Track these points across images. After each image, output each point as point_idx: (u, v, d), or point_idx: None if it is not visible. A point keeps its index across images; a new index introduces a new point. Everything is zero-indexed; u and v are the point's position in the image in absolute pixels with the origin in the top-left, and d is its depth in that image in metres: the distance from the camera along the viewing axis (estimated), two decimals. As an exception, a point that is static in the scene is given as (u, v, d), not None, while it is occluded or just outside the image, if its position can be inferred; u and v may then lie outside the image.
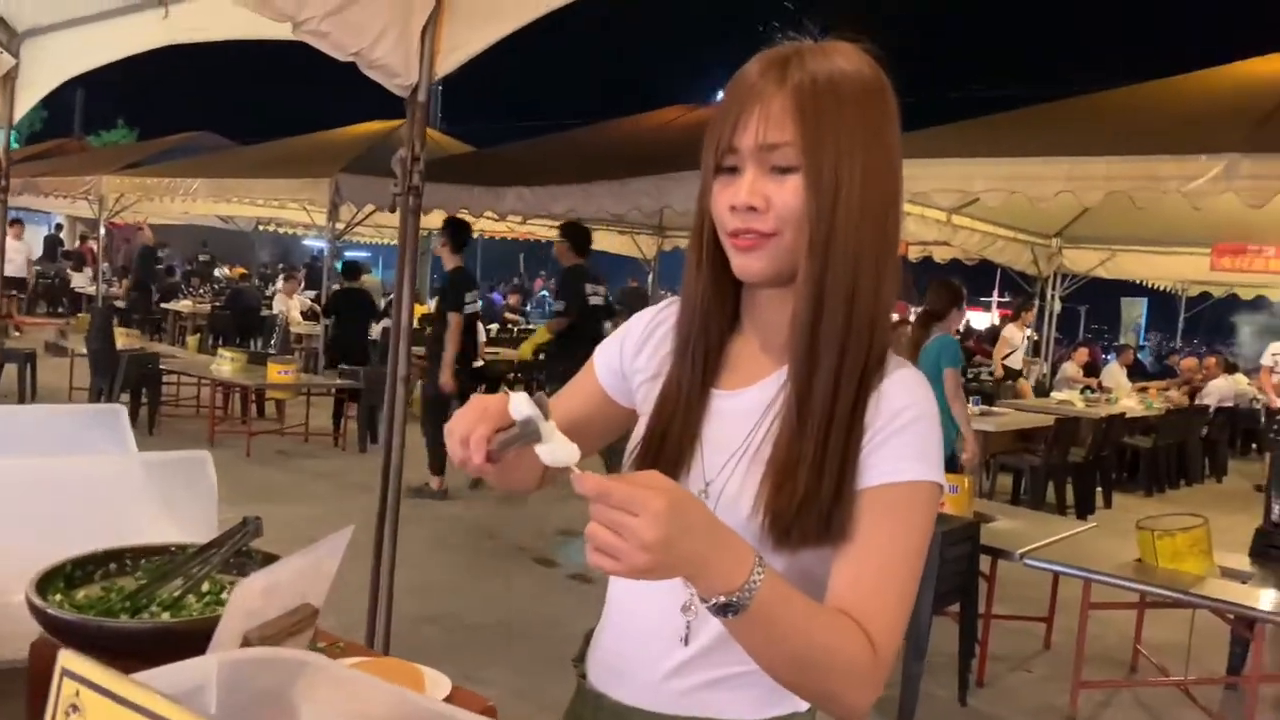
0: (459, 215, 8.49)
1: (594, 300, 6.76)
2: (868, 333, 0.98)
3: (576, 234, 6.96)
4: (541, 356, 10.86)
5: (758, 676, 0.93)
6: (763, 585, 0.84)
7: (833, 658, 0.90)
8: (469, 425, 0.91)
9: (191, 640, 0.95)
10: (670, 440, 1.05)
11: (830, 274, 0.96)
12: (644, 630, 1.07)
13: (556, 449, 0.87)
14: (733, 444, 1.03)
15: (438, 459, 6.40)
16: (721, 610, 0.84)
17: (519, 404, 0.88)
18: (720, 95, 1.04)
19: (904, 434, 0.97)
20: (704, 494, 1.02)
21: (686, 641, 1.03)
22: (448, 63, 2.83)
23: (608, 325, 6.41)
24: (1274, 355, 10.05)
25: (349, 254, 24.29)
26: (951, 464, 5.02)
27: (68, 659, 0.63)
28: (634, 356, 1.15)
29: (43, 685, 0.65)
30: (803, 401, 0.98)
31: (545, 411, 0.88)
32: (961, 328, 5.18)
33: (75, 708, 0.62)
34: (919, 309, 5.42)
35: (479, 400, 0.95)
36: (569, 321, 6.62)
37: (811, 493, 0.95)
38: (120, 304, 14.19)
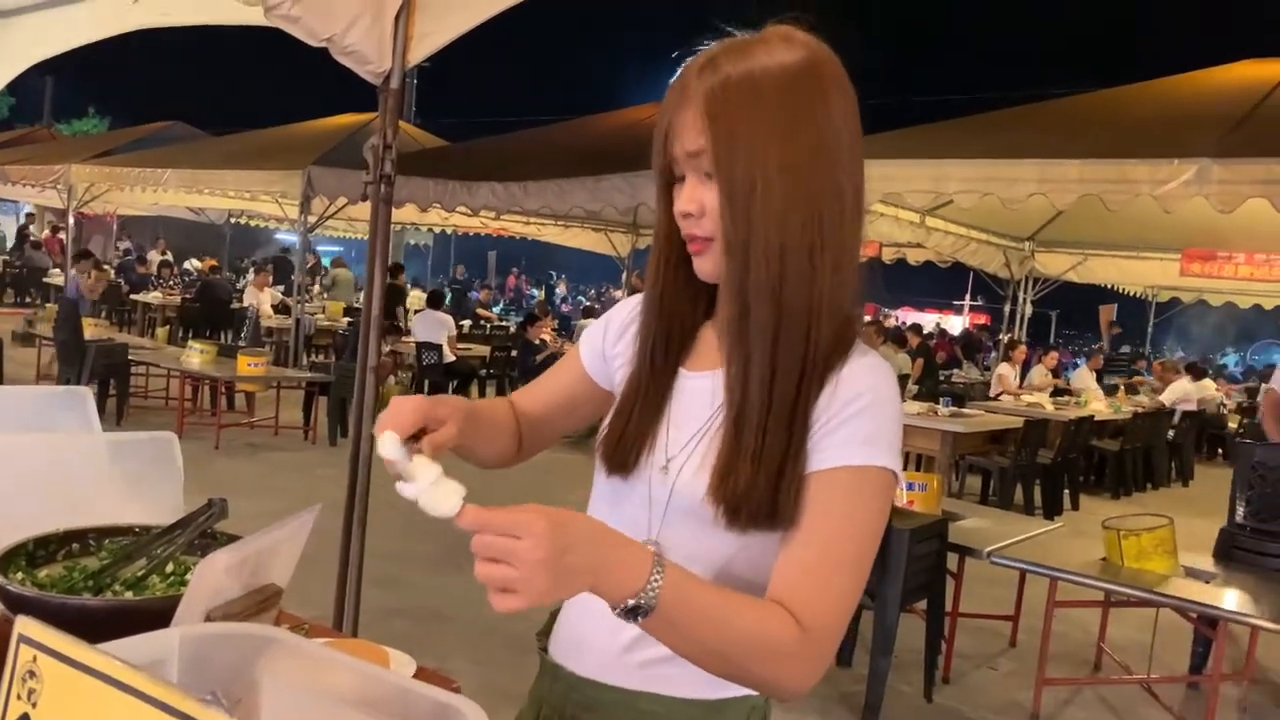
0: (431, 209, 8.45)
1: None
2: (802, 326, 0.98)
3: None
4: (513, 353, 10.87)
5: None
6: (665, 584, 0.86)
7: (752, 645, 0.91)
8: (380, 428, 0.94)
9: (154, 618, 0.93)
10: (636, 418, 1.09)
11: (752, 272, 0.98)
12: (602, 604, 1.07)
13: (431, 496, 0.84)
14: (695, 423, 1.06)
15: None
16: (630, 614, 0.86)
17: (385, 445, 0.89)
18: None
19: (855, 420, 0.98)
20: (665, 469, 1.05)
21: None
22: (420, 49, 2.80)
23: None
24: None
25: (321, 248, 24.16)
26: None
27: (24, 625, 0.62)
28: (615, 341, 1.19)
29: (3, 664, 0.64)
30: (739, 395, 1.00)
31: (430, 453, 0.89)
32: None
33: (32, 673, 0.61)
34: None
35: (395, 403, 0.97)
36: None
37: (751, 482, 0.97)
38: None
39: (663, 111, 1.02)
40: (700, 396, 1.07)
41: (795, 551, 0.97)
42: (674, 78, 1.02)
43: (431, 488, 0.84)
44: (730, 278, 1.00)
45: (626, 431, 1.09)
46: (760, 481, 0.97)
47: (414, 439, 0.95)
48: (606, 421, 1.14)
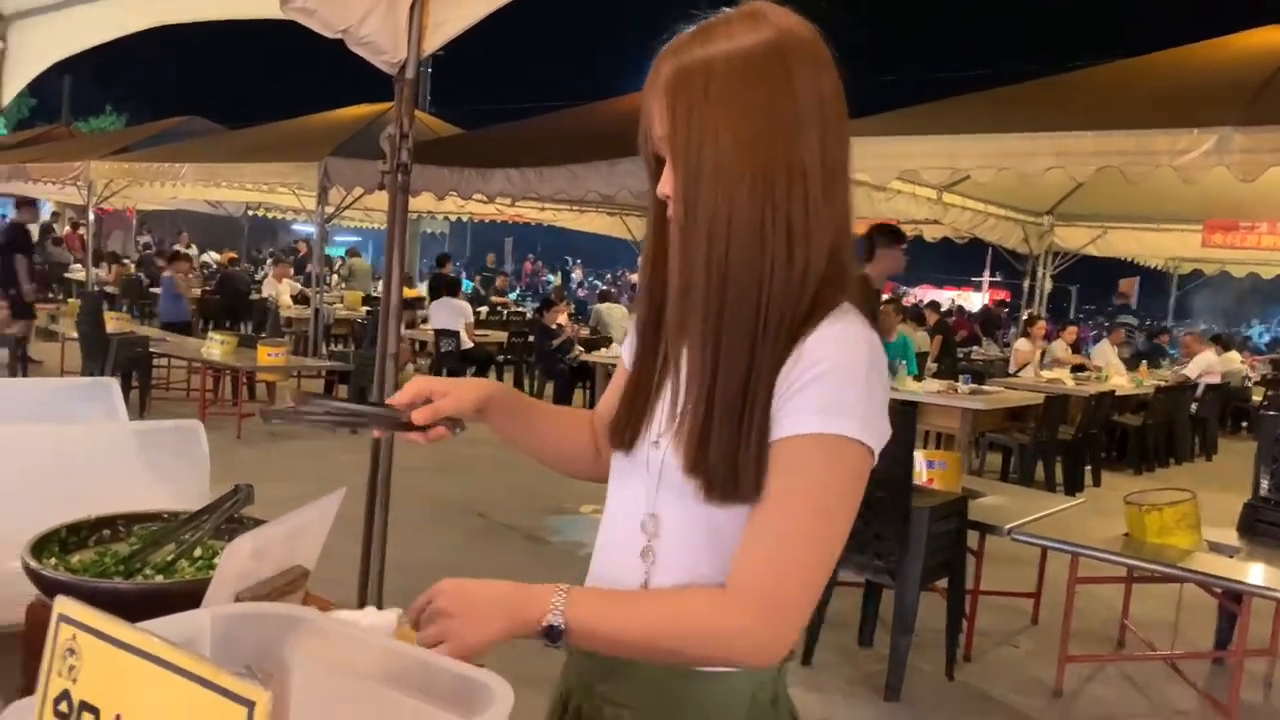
0: (447, 197, 8.46)
1: None
2: (751, 296, 0.98)
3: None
4: (530, 339, 10.91)
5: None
6: (570, 605, 0.96)
7: (689, 634, 0.98)
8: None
9: (184, 601, 0.95)
10: (633, 396, 1.13)
11: (699, 245, 1.00)
12: (616, 575, 1.12)
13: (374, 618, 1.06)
14: (683, 397, 1.06)
15: None
16: (548, 637, 0.97)
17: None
18: None
19: (812, 387, 0.97)
20: (656, 444, 1.08)
21: (646, 585, 1.08)
22: (435, 38, 2.81)
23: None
24: None
25: (339, 238, 24.26)
26: None
27: (63, 604, 0.64)
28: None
29: (38, 647, 0.66)
30: (696, 368, 1.02)
31: (428, 416, 1.09)
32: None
33: (72, 650, 0.63)
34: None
35: (420, 380, 1.13)
36: None
37: (712, 453, 0.98)
38: (111, 289, 14.14)
39: (643, 99, 1.06)
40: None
41: (751, 524, 0.99)
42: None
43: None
44: (681, 251, 1.02)
45: (626, 409, 1.13)
46: (720, 453, 0.98)
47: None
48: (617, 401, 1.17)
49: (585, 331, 11.51)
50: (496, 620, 0.97)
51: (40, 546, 1.14)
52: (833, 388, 0.96)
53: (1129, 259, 12.44)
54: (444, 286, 11.15)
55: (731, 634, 0.96)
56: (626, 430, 1.12)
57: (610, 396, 1.26)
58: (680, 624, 0.97)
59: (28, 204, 10.58)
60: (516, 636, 0.98)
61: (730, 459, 0.98)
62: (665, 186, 1.04)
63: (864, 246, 5.07)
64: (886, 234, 4.94)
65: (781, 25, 1.01)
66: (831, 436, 0.96)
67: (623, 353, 1.26)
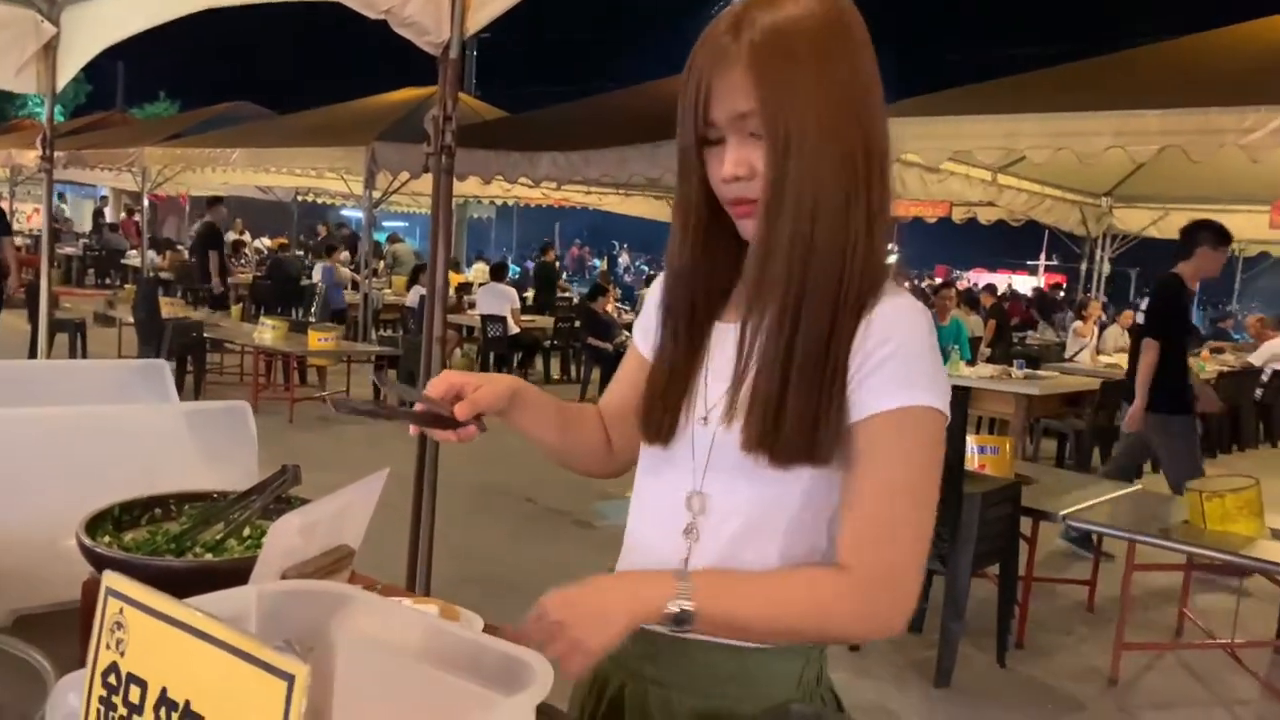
0: (493, 181, 8.47)
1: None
2: (835, 272, 0.99)
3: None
4: (577, 324, 10.92)
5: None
6: (696, 588, 0.95)
7: (812, 615, 0.99)
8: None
9: (233, 578, 0.96)
10: (671, 378, 1.10)
11: (788, 224, 0.98)
12: (657, 557, 1.10)
13: None
14: (730, 372, 1.05)
15: None
16: (676, 624, 0.95)
17: None
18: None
19: (889, 363, 0.99)
20: (705, 421, 1.07)
21: (687, 563, 1.07)
22: (478, 18, 2.80)
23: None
24: None
25: (386, 223, 24.51)
26: None
27: (111, 579, 0.64)
28: (655, 314, 1.18)
29: (93, 622, 0.67)
30: (772, 338, 1.01)
31: (468, 411, 1.06)
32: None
33: (119, 624, 0.63)
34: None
35: (448, 374, 1.08)
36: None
37: (787, 422, 0.98)
38: (166, 275, 14.42)
39: (695, 76, 1.01)
40: (732, 347, 1.06)
41: (851, 504, 1.00)
42: (700, 40, 1.02)
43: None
44: (760, 232, 1.01)
45: (665, 392, 1.10)
46: (795, 420, 0.98)
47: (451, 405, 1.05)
48: (643, 390, 1.14)
49: (632, 317, 11.50)
50: (618, 618, 0.94)
51: (95, 525, 1.15)
52: (908, 362, 0.99)
53: (1191, 241, 12.07)
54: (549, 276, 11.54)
55: (854, 615, 0.99)
56: (665, 419, 1.10)
57: (621, 388, 1.24)
58: (804, 606, 0.99)
59: (217, 203, 11.44)
60: (639, 627, 0.96)
61: (810, 426, 0.98)
62: (739, 165, 1.00)
63: (1183, 241, 4.84)
64: (1214, 233, 4.74)
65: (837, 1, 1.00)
66: (916, 409, 0.99)
67: (636, 342, 1.24)
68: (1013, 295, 18.89)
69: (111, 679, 0.64)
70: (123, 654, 0.63)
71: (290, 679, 0.56)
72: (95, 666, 0.65)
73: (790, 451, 0.99)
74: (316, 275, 12.36)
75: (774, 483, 1.02)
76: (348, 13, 2.78)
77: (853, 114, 0.99)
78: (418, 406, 1.07)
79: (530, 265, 20.66)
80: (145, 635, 0.62)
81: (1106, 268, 10.87)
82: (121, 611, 0.63)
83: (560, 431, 1.19)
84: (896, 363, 0.99)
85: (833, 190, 0.98)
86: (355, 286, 12.20)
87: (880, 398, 0.98)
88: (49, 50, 4.39)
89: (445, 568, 3.23)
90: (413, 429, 1.08)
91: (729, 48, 0.98)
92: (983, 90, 5.91)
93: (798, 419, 0.98)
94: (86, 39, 4.32)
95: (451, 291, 9.24)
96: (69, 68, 4.47)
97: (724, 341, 1.09)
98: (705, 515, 1.07)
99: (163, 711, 0.61)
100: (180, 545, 1.17)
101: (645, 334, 1.22)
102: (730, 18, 0.99)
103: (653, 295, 1.21)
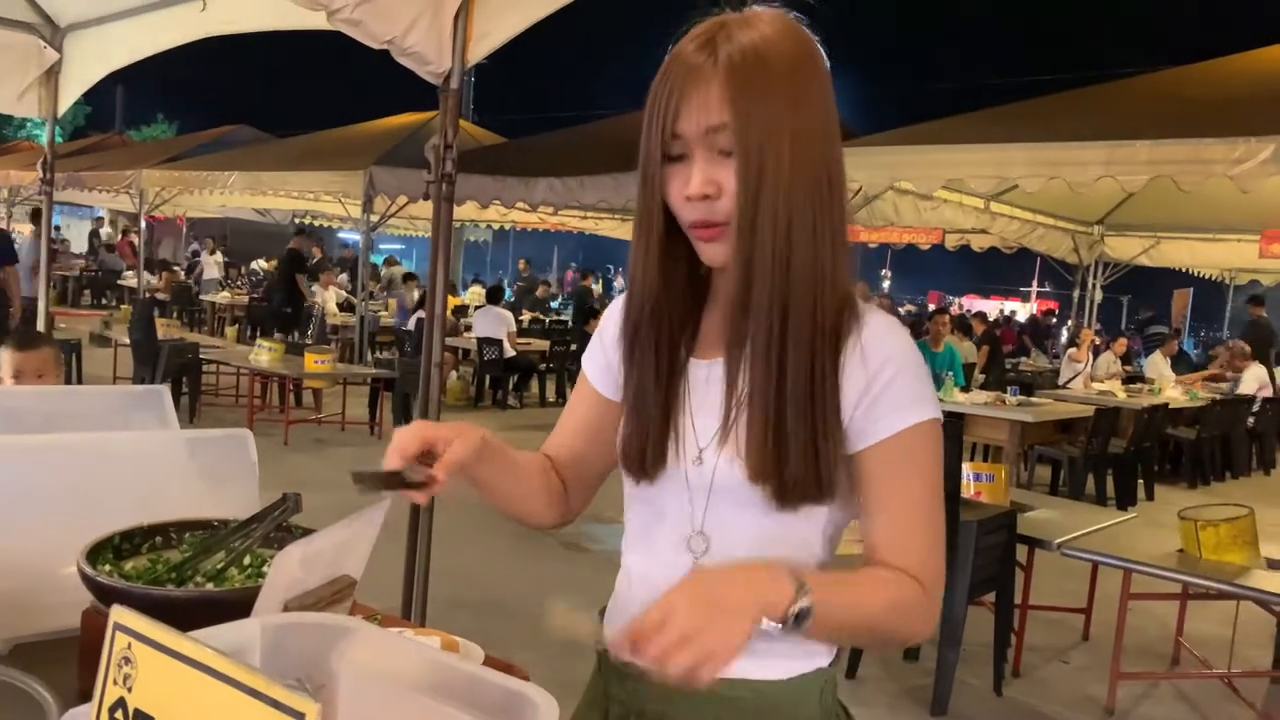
0: (491, 205, 8.50)
1: None
2: (810, 298, 0.99)
3: None
4: (573, 347, 10.93)
5: (780, 637, 0.94)
6: (812, 588, 0.91)
7: (894, 614, 1.00)
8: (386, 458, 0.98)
9: (235, 609, 0.96)
10: (655, 417, 1.07)
11: (760, 248, 0.97)
12: (657, 594, 1.07)
13: None
14: (720, 409, 1.05)
15: None
16: (798, 621, 0.90)
17: None
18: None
19: (895, 384, 1.01)
20: (699, 460, 1.05)
21: None
22: (479, 49, 2.84)
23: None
24: None
25: (383, 246, 24.54)
26: None
27: (119, 614, 0.65)
28: (615, 348, 1.15)
29: (94, 651, 0.67)
30: (759, 373, 1.00)
31: (444, 473, 0.96)
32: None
33: (127, 659, 0.64)
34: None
35: (397, 433, 0.98)
36: None
37: (789, 457, 0.99)
38: (162, 296, 14.42)
39: (664, 90, 0.98)
40: (716, 385, 1.05)
41: (883, 520, 1.02)
42: (670, 58, 1.00)
43: None
44: (739, 256, 0.99)
45: (648, 432, 1.07)
46: (797, 455, 0.99)
47: (426, 464, 0.97)
48: (622, 427, 1.11)
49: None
50: (750, 613, 0.87)
51: (95, 553, 1.15)
52: (909, 380, 1.02)
53: (1183, 269, 12.17)
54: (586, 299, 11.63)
55: (926, 618, 1.02)
56: (656, 453, 1.07)
57: (573, 432, 1.19)
58: (896, 609, 1.00)
59: (302, 233, 13.09)
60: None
61: (811, 459, 0.99)
62: (706, 185, 0.97)
63: None
64: None
65: (796, 26, 1.01)
66: (924, 424, 1.02)
67: (591, 379, 1.19)
68: (1007, 321, 18.94)
69: (119, 715, 0.64)
70: (130, 689, 0.64)
71: (301, 717, 0.56)
72: (102, 702, 0.65)
73: (798, 488, 0.99)
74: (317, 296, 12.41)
75: (778, 519, 1.02)
76: (346, 40, 2.81)
77: (822, 137, 1.00)
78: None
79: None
80: (154, 671, 0.62)
81: (1098, 295, 10.93)
82: (130, 646, 0.64)
83: (516, 481, 1.12)
84: (903, 381, 1.01)
85: (804, 209, 0.97)
86: (352, 308, 12.21)
87: (894, 419, 1.01)
88: (51, 75, 4.42)
89: (437, 590, 3.21)
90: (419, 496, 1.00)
91: (703, 64, 0.96)
92: (976, 119, 5.97)
93: (800, 444, 0.98)
94: (88, 65, 4.36)
95: (448, 314, 9.27)
96: (70, 93, 4.50)
97: (702, 379, 1.07)
98: (709, 555, 1.05)
99: (169, 746, 0.61)
100: (181, 574, 1.17)
101: (604, 371, 1.17)
102: (701, 38, 0.98)
103: (609, 326, 1.17)
